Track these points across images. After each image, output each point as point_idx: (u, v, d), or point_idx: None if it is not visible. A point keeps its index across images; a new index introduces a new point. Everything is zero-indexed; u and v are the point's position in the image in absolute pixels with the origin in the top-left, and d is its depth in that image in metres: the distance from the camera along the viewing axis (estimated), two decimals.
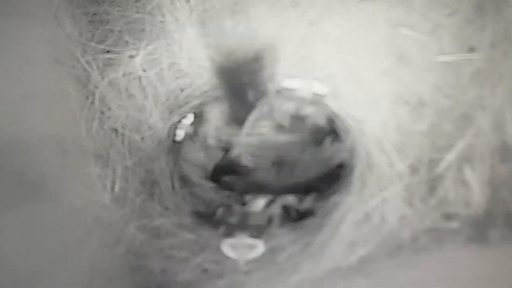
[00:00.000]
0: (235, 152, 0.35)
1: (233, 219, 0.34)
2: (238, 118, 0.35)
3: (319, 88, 0.35)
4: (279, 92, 0.35)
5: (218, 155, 0.35)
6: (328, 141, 0.35)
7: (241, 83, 0.34)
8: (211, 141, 0.35)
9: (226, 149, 0.35)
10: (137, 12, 0.34)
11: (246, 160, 0.34)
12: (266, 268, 0.32)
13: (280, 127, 0.35)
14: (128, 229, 0.32)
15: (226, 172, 0.35)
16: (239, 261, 0.32)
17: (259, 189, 0.34)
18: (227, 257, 0.32)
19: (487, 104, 0.30)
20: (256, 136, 0.35)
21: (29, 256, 0.26)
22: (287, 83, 0.35)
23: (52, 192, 0.29)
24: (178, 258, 0.32)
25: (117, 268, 0.32)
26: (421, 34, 0.32)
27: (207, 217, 0.34)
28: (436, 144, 0.31)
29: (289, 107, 0.35)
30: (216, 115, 0.35)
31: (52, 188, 0.29)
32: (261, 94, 0.35)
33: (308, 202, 0.34)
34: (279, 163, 0.34)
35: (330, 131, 0.35)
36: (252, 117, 0.34)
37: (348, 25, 0.33)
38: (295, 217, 0.34)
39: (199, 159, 0.35)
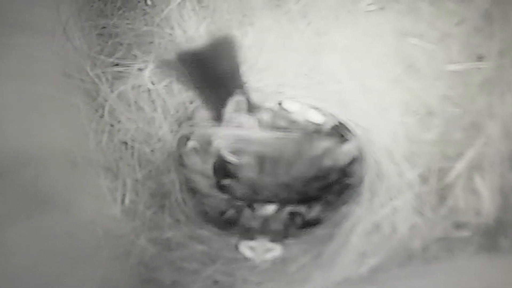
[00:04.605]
0: (217, 150, 0.33)
1: (253, 223, 0.33)
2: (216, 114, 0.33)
3: (315, 116, 0.34)
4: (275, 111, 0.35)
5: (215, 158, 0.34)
6: (320, 142, 0.33)
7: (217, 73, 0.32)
8: (207, 146, 0.34)
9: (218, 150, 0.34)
10: (146, 25, 0.34)
11: (230, 158, 0.33)
12: (277, 278, 0.32)
13: (263, 124, 0.33)
14: (139, 242, 0.32)
15: (224, 175, 0.34)
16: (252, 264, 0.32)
17: (258, 194, 0.33)
18: (238, 269, 0.32)
19: (497, 112, 0.30)
20: (234, 130, 0.33)
21: (39, 269, 0.26)
22: (285, 104, 0.35)
23: (62, 205, 0.29)
24: (189, 270, 0.32)
25: (128, 281, 0.32)
26: (429, 43, 0.32)
27: (220, 227, 0.34)
28: (445, 153, 0.30)
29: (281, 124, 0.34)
30: (203, 116, 0.34)
31: (62, 201, 0.29)
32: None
33: (315, 212, 0.34)
34: (262, 160, 0.33)
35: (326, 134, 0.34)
36: (227, 109, 0.33)
37: (355, 35, 0.33)
38: (303, 227, 0.34)
39: (205, 167, 0.34)
